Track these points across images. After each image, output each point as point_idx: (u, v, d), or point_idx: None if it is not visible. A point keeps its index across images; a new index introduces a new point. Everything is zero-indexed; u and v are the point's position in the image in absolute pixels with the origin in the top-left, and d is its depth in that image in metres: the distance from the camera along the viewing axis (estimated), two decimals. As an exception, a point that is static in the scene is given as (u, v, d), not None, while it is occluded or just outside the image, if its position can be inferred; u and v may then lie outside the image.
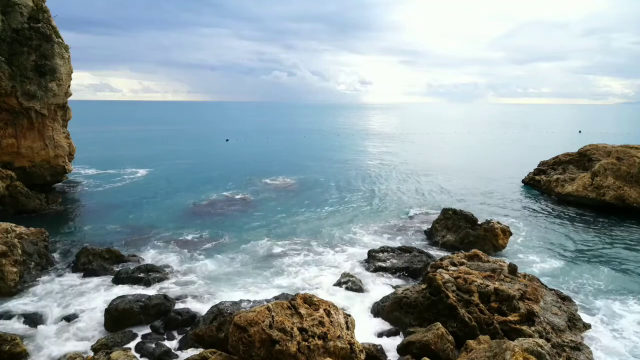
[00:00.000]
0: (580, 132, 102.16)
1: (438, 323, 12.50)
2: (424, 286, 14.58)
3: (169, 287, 17.34)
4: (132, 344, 13.20)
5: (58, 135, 34.25)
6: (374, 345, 12.63)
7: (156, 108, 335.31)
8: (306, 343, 10.12)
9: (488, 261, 16.53)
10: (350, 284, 17.34)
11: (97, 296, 16.75)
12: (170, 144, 74.82)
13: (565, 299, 15.07)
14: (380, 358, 12.17)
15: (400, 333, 13.76)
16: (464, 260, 16.50)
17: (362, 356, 10.86)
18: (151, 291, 16.74)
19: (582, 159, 35.53)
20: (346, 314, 11.79)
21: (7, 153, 31.71)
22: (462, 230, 23.45)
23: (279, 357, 9.88)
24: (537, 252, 22.06)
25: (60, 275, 18.61)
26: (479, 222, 23.92)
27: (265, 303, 12.61)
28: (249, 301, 14.84)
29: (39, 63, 31.27)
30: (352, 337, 11.00)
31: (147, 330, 14.27)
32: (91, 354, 12.42)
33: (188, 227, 25.75)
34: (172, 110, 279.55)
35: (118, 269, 18.66)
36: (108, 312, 14.63)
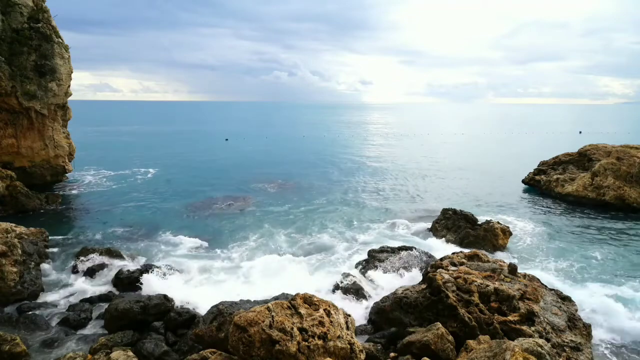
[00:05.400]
0: (580, 132, 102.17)
1: (438, 323, 12.48)
2: (424, 286, 14.57)
3: (169, 287, 17.32)
4: (131, 344, 13.19)
5: (58, 135, 34.27)
6: (374, 345, 12.62)
7: (156, 108, 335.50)
8: (306, 343, 10.12)
9: (488, 261, 16.52)
10: (350, 283, 17.34)
11: (96, 296, 16.76)
12: (170, 144, 74.84)
13: (565, 299, 15.04)
14: (380, 358, 12.16)
15: (400, 333, 13.74)
16: (464, 260, 16.49)
17: (362, 356, 10.86)
18: (151, 291, 16.73)
19: (582, 159, 35.51)
20: (346, 314, 11.78)
21: (7, 153, 31.75)
22: (462, 230, 23.46)
23: (279, 357, 9.87)
24: (537, 252, 22.06)
25: (60, 275, 18.62)
26: (479, 222, 23.93)
27: (265, 303, 12.59)
28: (249, 301, 14.84)
29: (39, 63, 31.30)
30: (352, 337, 10.99)
31: (146, 330, 14.27)
32: (90, 354, 12.41)
33: (188, 227, 25.76)
34: (173, 110, 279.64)
35: (118, 269, 18.65)
36: (108, 312, 14.63)
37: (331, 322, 10.85)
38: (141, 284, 17.47)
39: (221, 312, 13.25)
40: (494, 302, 13.35)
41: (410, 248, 20.58)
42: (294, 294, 11.92)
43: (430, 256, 19.77)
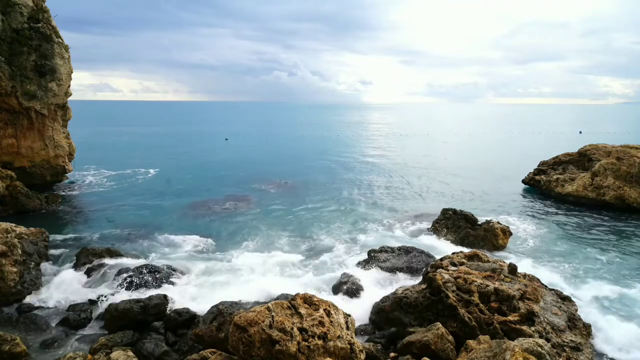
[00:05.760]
0: (580, 132, 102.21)
1: (438, 323, 12.49)
2: (424, 286, 14.57)
3: (169, 287, 17.33)
4: (131, 344, 13.19)
5: (58, 135, 34.26)
6: (374, 345, 12.63)
7: (156, 108, 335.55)
8: (306, 343, 10.12)
9: (488, 261, 16.53)
10: (350, 284, 17.34)
11: (96, 296, 16.76)
12: (170, 143, 74.82)
13: (565, 299, 15.05)
14: (380, 358, 12.17)
15: (400, 333, 13.75)
16: (464, 260, 16.49)
17: (362, 356, 10.86)
18: (151, 291, 16.75)
19: (582, 159, 35.49)
20: (346, 314, 11.79)
21: (7, 153, 31.73)
22: (462, 230, 23.47)
23: (279, 357, 9.88)
24: (537, 252, 22.05)
25: (60, 276, 18.59)
26: (479, 222, 23.94)
27: (265, 303, 12.59)
28: (249, 301, 14.85)
29: (39, 63, 31.29)
30: (352, 337, 10.99)
31: (146, 330, 14.27)
32: (90, 354, 12.41)
33: (188, 227, 25.75)
34: (173, 110, 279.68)
35: (118, 269, 18.65)
36: (108, 312, 14.63)
37: (331, 322, 10.85)
38: (141, 283, 17.48)
39: (221, 312, 13.27)
40: (494, 302, 13.36)
41: (410, 248, 20.59)
42: (294, 294, 11.92)
43: (430, 256, 19.76)
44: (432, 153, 64.41)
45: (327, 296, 16.39)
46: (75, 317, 14.88)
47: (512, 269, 15.44)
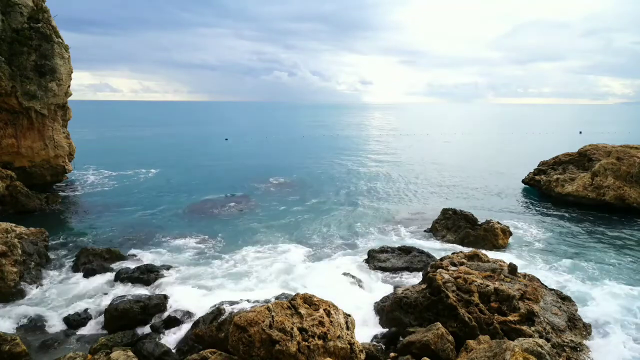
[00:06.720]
0: (580, 132, 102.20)
1: (438, 323, 12.48)
2: (424, 286, 14.57)
3: (169, 287, 17.32)
4: (131, 344, 13.19)
5: (58, 135, 34.26)
6: (374, 345, 12.62)
7: (156, 108, 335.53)
8: (306, 343, 10.12)
9: (488, 261, 16.53)
10: (350, 283, 17.33)
11: (97, 296, 16.77)
12: (170, 143, 74.84)
13: (565, 299, 15.05)
14: (380, 358, 12.16)
15: (400, 333, 13.74)
16: (464, 260, 16.49)
17: (362, 356, 10.87)
18: (151, 291, 16.75)
19: (582, 159, 35.48)
20: (346, 314, 11.79)
21: (7, 153, 31.72)
22: (462, 230, 23.47)
23: (279, 357, 9.88)
24: (537, 252, 22.04)
25: (60, 276, 18.61)
26: (479, 222, 23.94)
27: (265, 303, 12.60)
28: (249, 301, 14.84)
29: (39, 63, 31.28)
30: (352, 337, 11.00)
31: (146, 330, 14.27)
32: (90, 354, 12.41)
33: (188, 227, 25.76)
34: (173, 110, 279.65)
35: (118, 269, 18.66)
36: (108, 312, 14.64)
37: (331, 322, 10.85)
38: (141, 284, 17.49)
39: (221, 312, 13.27)
40: (494, 302, 13.36)
41: (410, 248, 20.59)
42: (294, 294, 11.92)
43: (430, 256, 19.77)
44: (432, 153, 64.41)
45: (326, 296, 16.40)
46: (75, 317, 14.88)
47: (512, 269, 15.44)
